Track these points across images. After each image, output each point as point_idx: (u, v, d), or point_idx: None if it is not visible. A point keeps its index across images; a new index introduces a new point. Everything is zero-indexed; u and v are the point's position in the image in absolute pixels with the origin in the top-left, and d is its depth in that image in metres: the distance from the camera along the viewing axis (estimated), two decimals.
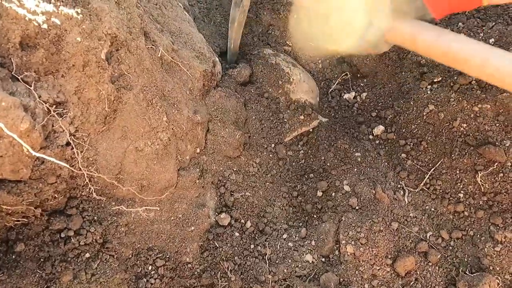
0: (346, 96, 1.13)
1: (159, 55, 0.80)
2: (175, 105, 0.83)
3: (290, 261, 0.83)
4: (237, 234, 0.87)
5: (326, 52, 1.12)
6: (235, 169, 0.94)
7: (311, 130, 1.05)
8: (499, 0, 0.57)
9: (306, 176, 0.99)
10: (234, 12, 0.97)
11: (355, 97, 1.11)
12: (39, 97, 0.58)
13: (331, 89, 1.14)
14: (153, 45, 0.79)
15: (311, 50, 1.14)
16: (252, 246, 0.86)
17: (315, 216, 0.91)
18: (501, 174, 0.83)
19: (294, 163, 1.01)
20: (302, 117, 1.04)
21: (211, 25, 1.25)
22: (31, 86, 0.57)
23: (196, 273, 0.81)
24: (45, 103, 0.59)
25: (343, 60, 1.17)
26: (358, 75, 1.15)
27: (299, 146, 1.03)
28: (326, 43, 0.76)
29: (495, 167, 0.83)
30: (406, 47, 0.67)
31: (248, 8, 0.99)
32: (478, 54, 0.58)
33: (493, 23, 0.96)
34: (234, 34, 1.04)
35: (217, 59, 1.00)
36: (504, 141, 0.84)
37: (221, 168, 0.93)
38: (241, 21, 0.98)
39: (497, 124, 0.86)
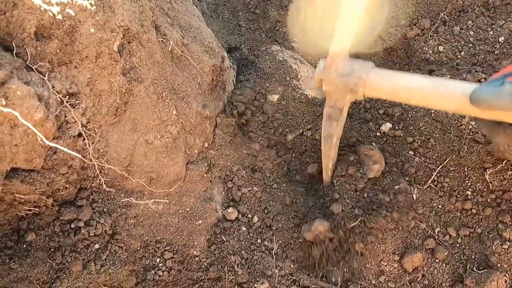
0: None
1: (169, 49, 0.80)
2: (185, 99, 0.83)
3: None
4: (244, 228, 0.87)
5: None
6: (243, 164, 0.94)
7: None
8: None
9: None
10: (329, 128, 0.75)
11: None
12: (53, 87, 0.59)
13: None
14: (163, 39, 0.79)
15: (318, 47, 1.14)
16: (259, 240, 0.86)
17: (320, 212, 0.92)
18: (510, 172, 0.82)
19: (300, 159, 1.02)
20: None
21: (219, 21, 1.25)
22: (45, 76, 0.58)
23: (203, 266, 0.81)
24: (58, 94, 0.59)
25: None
26: None
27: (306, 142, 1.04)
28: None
29: (503, 164, 0.83)
30: None
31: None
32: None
33: (503, 22, 0.96)
34: (332, 151, 0.82)
35: (225, 54, 1.01)
36: None
37: (228, 163, 0.93)
38: (339, 135, 0.79)
39: None
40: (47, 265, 0.66)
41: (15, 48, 0.54)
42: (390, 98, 0.66)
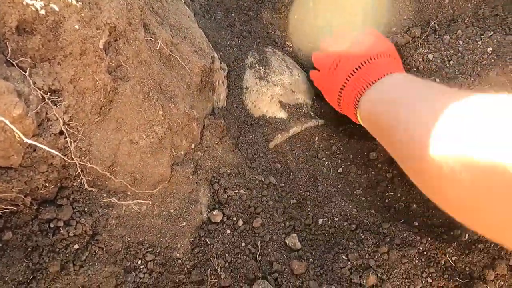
0: None
1: (157, 48, 0.79)
2: (172, 99, 0.82)
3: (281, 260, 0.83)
4: (228, 231, 0.86)
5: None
6: (230, 167, 0.93)
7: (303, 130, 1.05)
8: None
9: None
10: None
11: None
12: (34, 83, 0.57)
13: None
14: (152, 38, 0.78)
15: (310, 51, 1.14)
16: (243, 244, 0.86)
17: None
18: None
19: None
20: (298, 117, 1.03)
21: (212, 21, 1.24)
22: (26, 72, 0.56)
23: (186, 269, 0.80)
24: (40, 90, 0.58)
25: None
26: None
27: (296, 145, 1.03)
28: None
29: None
30: None
31: None
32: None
33: (492, 33, 0.97)
34: None
35: (216, 55, 1.00)
36: None
37: (215, 165, 0.92)
38: None
39: None
40: (24, 265, 0.64)
41: None
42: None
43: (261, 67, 1.09)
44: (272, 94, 1.05)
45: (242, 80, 1.09)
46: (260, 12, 1.26)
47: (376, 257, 0.78)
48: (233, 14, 1.31)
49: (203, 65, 0.91)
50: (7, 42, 0.54)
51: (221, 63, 1.05)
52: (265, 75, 1.07)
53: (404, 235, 0.82)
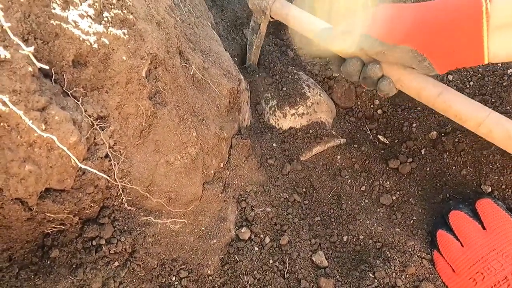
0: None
1: (191, 73, 0.84)
2: (204, 121, 0.86)
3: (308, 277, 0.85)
4: (256, 248, 0.89)
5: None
6: (256, 185, 0.96)
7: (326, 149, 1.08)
8: (500, 58, 0.61)
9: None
10: (251, 38, 1.09)
11: None
12: (85, 111, 0.62)
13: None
14: (186, 64, 0.83)
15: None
16: (271, 261, 0.88)
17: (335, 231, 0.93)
18: None
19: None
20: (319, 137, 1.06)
21: (234, 43, 1.29)
22: (79, 101, 0.61)
23: (216, 285, 0.83)
24: (90, 117, 0.62)
25: None
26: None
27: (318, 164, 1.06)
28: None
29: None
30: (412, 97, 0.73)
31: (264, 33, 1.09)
32: (474, 117, 0.66)
33: None
34: (253, 57, 1.15)
35: (242, 77, 1.04)
36: None
37: (242, 183, 0.95)
38: (259, 45, 1.10)
39: None
40: (69, 281, 0.67)
41: (54, 75, 0.57)
42: (285, 22, 0.90)
43: (283, 87, 1.13)
44: (294, 113, 1.09)
45: (265, 100, 1.13)
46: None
47: (403, 277, 0.80)
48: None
49: (232, 87, 0.95)
50: (64, 74, 0.59)
51: (245, 83, 1.09)
52: (287, 96, 1.11)
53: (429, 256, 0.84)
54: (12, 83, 0.48)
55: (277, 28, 1.34)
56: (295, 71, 1.17)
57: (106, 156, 0.67)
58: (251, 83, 1.14)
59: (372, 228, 0.92)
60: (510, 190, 0.87)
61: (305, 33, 0.85)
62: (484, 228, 0.79)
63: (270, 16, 0.94)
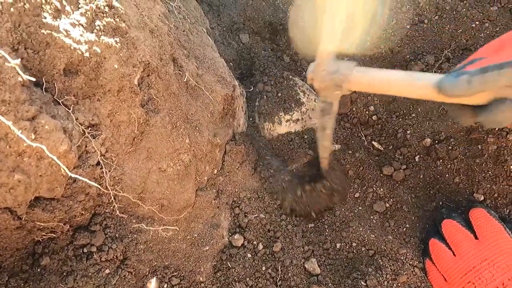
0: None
1: (185, 80, 0.84)
2: (197, 128, 0.86)
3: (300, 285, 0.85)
4: (249, 255, 0.89)
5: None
6: (250, 191, 0.96)
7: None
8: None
9: None
10: (322, 121, 0.84)
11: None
12: (76, 119, 0.62)
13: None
14: (180, 71, 0.83)
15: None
16: (263, 268, 0.88)
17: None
18: None
19: None
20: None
21: (230, 48, 1.29)
22: (70, 109, 0.61)
23: None
24: (81, 125, 0.62)
25: None
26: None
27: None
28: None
29: None
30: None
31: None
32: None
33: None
34: (326, 142, 0.90)
35: (236, 83, 1.04)
36: None
37: (236, 190, 0.95)
38: (332, 126, 0.85)
39: None
40: None
41: (44, 83, 0.57)
42: (371, 91, 0.72)
43: (278, 93, 1.13)
44: (288, 119, 1.09)
45: (259, 106, 1.13)
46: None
47: (394, 285, 0.80)
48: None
49: (226, 93, 0.95)
50: (55, 83, 0.59)
51: (241, 89, 1.09)
52: (282, 102, 1.11)
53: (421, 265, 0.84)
54: (1, 93, 0.48)
55: (273, 33, 1.34)
56: (290, 76, 1.17)
57: (98, 164, 0.67)
58: (249, 91, 1.14)
59: (365, 235, 0.92)
60: (502, 199, 0.87)
61: (411, 92, 0.66)
62: (476, 237, 0.79)
63: (349, 89, 0.74)
